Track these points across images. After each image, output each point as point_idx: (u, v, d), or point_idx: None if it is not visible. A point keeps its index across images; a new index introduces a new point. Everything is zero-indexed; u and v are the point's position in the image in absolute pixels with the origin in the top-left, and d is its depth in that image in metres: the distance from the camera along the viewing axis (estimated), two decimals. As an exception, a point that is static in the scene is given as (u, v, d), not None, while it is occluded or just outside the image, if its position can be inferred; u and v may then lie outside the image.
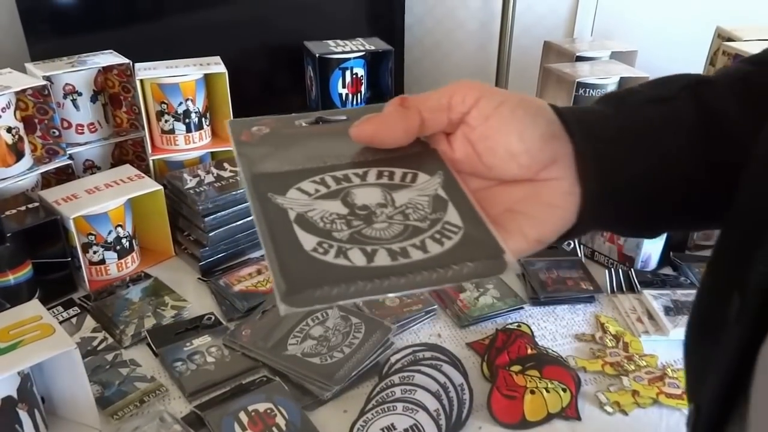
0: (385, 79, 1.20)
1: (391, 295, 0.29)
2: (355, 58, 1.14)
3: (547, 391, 0.72)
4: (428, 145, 0.36)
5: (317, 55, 1.12)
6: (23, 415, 0.62)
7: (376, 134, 0.34)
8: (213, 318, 0.84)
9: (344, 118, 0.38)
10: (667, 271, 0.96)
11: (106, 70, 1.06)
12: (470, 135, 0.35)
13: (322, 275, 0.29)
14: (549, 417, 0.70)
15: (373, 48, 1.16)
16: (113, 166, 1.10)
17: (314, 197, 0.33)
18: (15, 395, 0.61)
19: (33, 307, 0.68)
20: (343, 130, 0.36)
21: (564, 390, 0.72)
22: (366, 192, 0.33)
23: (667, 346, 0.81)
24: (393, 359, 0.75)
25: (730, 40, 1.11)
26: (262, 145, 0.36)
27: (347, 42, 1.18)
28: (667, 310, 0.85)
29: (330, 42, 1.17)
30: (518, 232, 0.34)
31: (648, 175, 0.36)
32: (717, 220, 0.41)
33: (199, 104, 1.04)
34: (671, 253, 0.96)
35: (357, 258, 0.30)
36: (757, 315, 0.29)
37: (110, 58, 1.06)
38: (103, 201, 0.89)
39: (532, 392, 0.72)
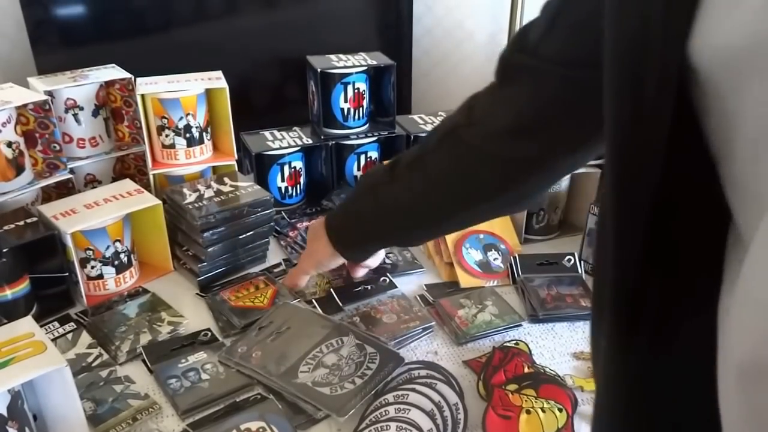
0: (388, 93, 1.20)
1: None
2: (356, 72, 1.14)
3: (543, 411, 0.71)
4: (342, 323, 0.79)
5: (318, 70, 1.12)
6: (13, 433, 0.61)
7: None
8: (209, 334, 0.83)
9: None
10: (669, 288, 0.94)
11: (108, 84, 1.06)
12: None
13: None
14: (545, 438, 0.69)
15: (374, 63, 1.16)
16: (115, 180, 1.10)
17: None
18: (5, 413, 0.61)
19: (26, 324, 0.68)
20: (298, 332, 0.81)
21: (560, 410, 0.71)
22: (329, 357, 0.77)
23: (667, 365, 0.80)
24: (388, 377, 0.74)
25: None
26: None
27: (349, 57, 1.18)
28: (668, 329, 0.84)
29: (332, 57, 1.17)
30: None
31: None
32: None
33: (200, 119, 1.04)
34: (673, 270, 0.95)
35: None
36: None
37: (112, 72, 1.06)
38: (101, 216, 0.89)
39: (528, 412, 0.71)
